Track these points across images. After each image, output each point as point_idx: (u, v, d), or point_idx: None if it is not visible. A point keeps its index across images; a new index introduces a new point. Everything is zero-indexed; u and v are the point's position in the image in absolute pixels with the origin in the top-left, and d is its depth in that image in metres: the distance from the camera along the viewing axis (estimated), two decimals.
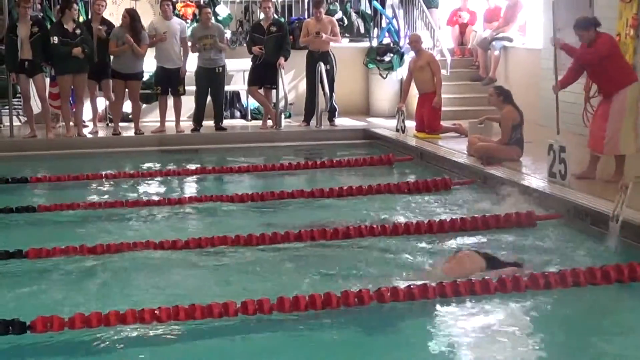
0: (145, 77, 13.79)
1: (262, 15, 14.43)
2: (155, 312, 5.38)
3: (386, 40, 15.88)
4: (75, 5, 13.00)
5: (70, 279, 6.54)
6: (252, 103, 14.95)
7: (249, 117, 15.02)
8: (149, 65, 13.60)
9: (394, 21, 15.90)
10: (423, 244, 7.32)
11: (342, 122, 14.38)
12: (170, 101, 13.69)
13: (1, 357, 5.09)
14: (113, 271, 6.64)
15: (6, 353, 5.11)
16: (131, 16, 13.12)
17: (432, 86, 12.68)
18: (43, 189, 10.27)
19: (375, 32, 16.27)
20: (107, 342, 5.26)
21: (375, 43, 15.90)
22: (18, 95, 13.58)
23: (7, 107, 13.75)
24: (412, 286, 5.85)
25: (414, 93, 13.30)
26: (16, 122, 13.74)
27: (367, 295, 5.68)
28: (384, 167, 11.17)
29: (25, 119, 13.68)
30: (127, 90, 13.34)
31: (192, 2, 15.77)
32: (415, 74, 12.84)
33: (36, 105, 13.29)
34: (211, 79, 13.61)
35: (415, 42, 12.94)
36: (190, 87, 13.73)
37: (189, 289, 6.24)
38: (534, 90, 13.15)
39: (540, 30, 13.92)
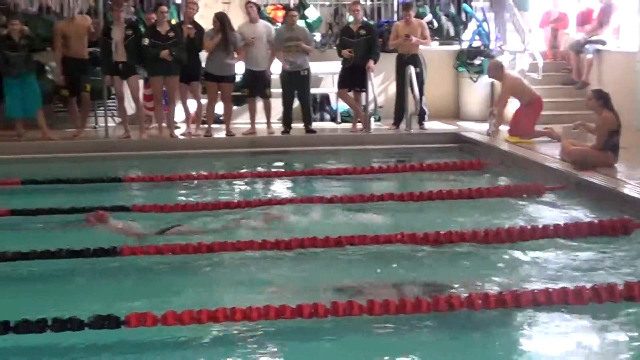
0: (237, 79, 13.94)
1: (351, 18, 14.45)
2: (246, 311, 5.42)
3: (476, 43, 15.73)
4: (164, 8, 13.23)
5: (163, 276, 6.64)
6: (341, 106, 14.97)
7: (339, 120, 15.03)
8: (239, 67, 13.75)
9: (484, 24, 15.74)
10: (514, 251, 7.20)
11: (431, 125, 14.29)
12: (260, 103, 13.82)
13: (96, 351, 5.20)
14: (205, 270, 6.73)
15: (101, 347, 5.22)
16: (220, 20, 13.27)
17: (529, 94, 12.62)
18: (136, 189, 10.46)
19: (465, 35, 16.13)
20: (198, 340, 5.33)
21: (465, 46, 15.77)
22: (112, 96, 13.86)
23: (102, 108, 14.07)
24: (503, 293, 5.78)
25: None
26: (111, 123, 14.04)
27: (457, 301, 5.63)
28: (473, 171, 11.05)
29: (120, 120, 13.96)
30: (219, 92, 13.53)
31: (281, 5, 15.89)
32: None
33: (130, 107, 13.56)
34: (296, 82, 13.68)
35: (491, 71, 12.95)
36: (278, 90, 13.83)
37: (278, 288, 6.28)
38: (628, 94, 12.87)
39: (636, 32, 13.62)
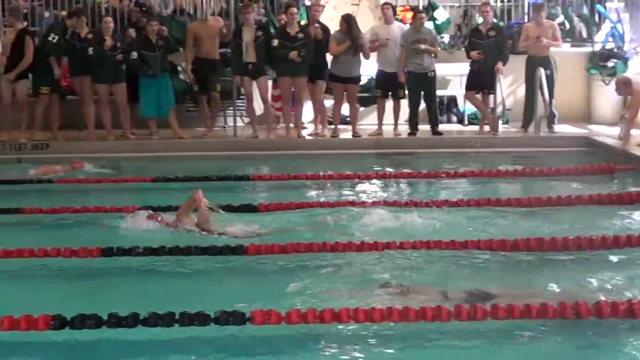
0: (363, 80, 13.98)
1: (480, 20, 14.32)
2: (369, 311, 5.43)
3: (609, 45, 15.32)
4: (293, 9, 13.38)
5: (288, 275, 6.70)
6: (469, 108, 14.83)
7: (466, 122, 14.89)
8: (367, 68, 13.78)
9: (618, 25, 15.31)
10: None
11: (561, 128, 14.00)
12: (389, 104, 13.81)
13: (222, 346, 5.30)
14: (328, 269, 6.76)
15: (226, 342, 5.32)
16: (347, 22, 13.33)
17: None
18: (263, 188, 10.60)
19: (598, 36, 15.73)
20: (321, 339, 5.37)
21: (597, 48, 15.37)
22: (242, 97, 14.10)
23: (231, 108, 14.34)
24: (633, 302, 5.60)
25: None
26: (239, 123, 14.29)
27: (584, 309, 5.49)
28: (604, 177, 10.76)
29: (248, 119, 14.19)
30: (345, 93, 13.59)
31: (409, 6, 15.85)
32: None
33: (258, 107, 13.76)
34: (423, 83, 13.60)
35: (620, 89, 12.57)
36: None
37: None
38: None
39: None
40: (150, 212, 8.17)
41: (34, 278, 6.80)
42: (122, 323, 5.27)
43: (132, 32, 13.91)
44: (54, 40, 13.31)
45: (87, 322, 5.25)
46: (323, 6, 13.92)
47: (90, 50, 13.13)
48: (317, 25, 13.50)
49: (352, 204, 9.12)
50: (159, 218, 8.04)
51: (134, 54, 13.14)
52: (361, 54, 13.43)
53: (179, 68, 14.37)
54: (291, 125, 13.61)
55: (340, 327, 5.44)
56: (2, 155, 12.54)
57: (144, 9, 14.66)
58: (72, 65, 13.62)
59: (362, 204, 9.11)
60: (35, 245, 7.05)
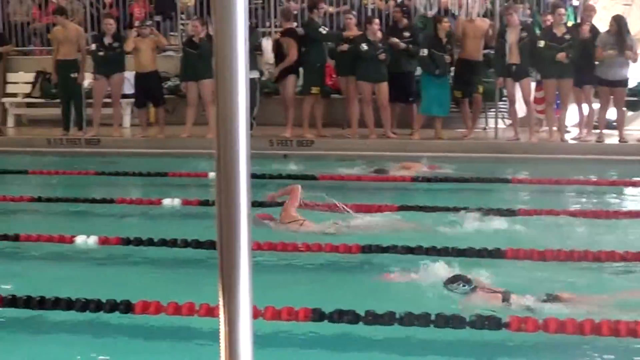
0: (632, 84, 13.42)
1: None
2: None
3: None
4: (561, 10, 13.07)
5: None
6: None
7: None
8: (636, 71, 13.22)
9: None
10: None
11: None
12: None
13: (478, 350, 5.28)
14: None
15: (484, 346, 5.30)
16: (617, 23, 12.82)
17: None
18: (524, 192, 10.43)
19: None
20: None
21: None
22: (504, 98, 13.94)
23: (492, 109, 14.22)
24: None
25: None
26: (500, 125, 14.12)
27: None
28: None
29: (510, 121, 14.00)
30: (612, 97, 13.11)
31: None
32: None
33: (521, 109, 13.55)
34: None
35: None
36: None
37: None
38: None
39: None
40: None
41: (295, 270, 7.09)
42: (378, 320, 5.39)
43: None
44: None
45: (344, 317, 5.42)
46: (594, 9, 13.46)
47: (364, 46, 13.44)
48: (587, 23, 13.08)
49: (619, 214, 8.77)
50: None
51: (424, 51, 13.39)
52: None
53: None
54: (554, 128, 13.29)
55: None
56: (270, 151, 13.09)
57: (404, 9, 14.81)
58: (338, 65, 14.04)
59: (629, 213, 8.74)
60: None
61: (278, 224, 8.19)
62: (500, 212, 8.50)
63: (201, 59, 13.47)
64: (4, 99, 16.06)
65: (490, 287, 6.06)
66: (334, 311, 5.43)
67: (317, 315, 5.43)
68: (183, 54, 14.36)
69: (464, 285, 6.01)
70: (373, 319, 5.39)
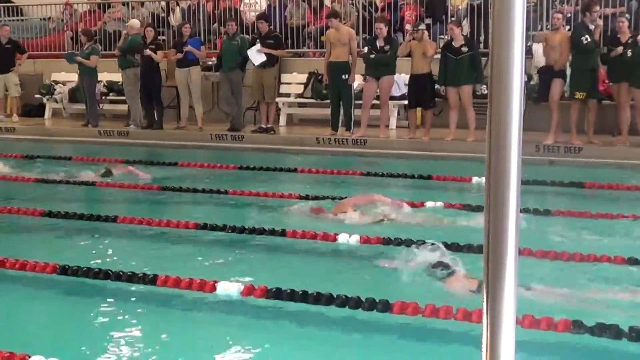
0: None
1: None
2: None
3: None
4: None
5: None
6: None
7: None
8: None
9: None
10: None
11: None
12: None
13: None
14: None
15: None
16: None
17: None
18: None
19: None
20: None
21: None
22: None
23: None
24: None
25: None
26: None
27: None
28: None
29: None
30: None
31: None
32: None
33: None
34: None
35: None
36: None
37: None
38: None
39: None
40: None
41: None
42: None
43: None
44: None
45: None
46: None
47: (629, 52, 12.94)
48: None
49: None
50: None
51: None
52: None
53: None
54: None
55: None
56: (536, 157, 12.78)
57: None
58: (611, 71, 13.54)
59: None
60: None
61: (327, 214, 8.79)
62: None
63: (458, 64, 13.54)
64: (278, 99, 16.75)
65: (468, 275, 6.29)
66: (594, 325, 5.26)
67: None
68: (441, 58, 14.33)
69: (442, 269, 6.36)
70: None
